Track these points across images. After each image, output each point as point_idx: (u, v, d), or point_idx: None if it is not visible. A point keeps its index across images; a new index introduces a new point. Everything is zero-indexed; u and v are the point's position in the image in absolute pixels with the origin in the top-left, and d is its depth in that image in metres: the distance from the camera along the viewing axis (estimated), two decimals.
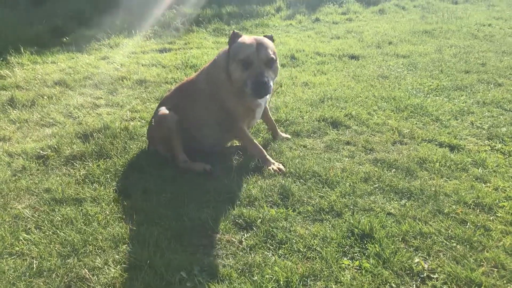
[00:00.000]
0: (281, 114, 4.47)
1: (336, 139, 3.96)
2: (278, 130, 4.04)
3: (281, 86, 5.48)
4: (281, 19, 11.12)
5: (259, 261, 2.37)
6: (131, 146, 3.78)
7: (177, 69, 6.47)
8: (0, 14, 9.44)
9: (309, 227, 2.69)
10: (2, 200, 2.96)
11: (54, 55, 7.38)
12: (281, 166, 3.39)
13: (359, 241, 2.54)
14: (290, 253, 2.46)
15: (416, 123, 4.35)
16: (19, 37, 8.06)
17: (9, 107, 4.78)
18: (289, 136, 4.01)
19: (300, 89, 5.41)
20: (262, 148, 3.51)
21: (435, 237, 2.56)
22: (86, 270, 2.30)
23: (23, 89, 5.47)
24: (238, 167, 3.44)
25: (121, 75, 6.03)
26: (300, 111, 4.60)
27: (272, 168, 3.35)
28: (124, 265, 2.35)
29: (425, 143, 3.88)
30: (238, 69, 3.23)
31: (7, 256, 2.43)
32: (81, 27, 9.28)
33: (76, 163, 3.52)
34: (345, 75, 6.14)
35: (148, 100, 5.12)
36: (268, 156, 3.47)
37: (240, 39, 3.32)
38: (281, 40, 8.61)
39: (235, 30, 3.45)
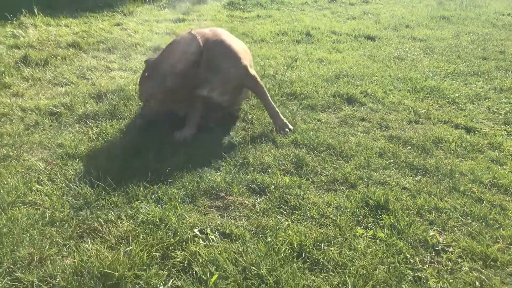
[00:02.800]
0: (295, 87, 4.41)
1: (351, 115, 3.91)
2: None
3: (296, 61, 5.42)
4: None
5: (272, 224, 2.36)
6: None
7: None
8: None
9: (322, 196, 2.67)
10: (15, 152, 2.94)
11: (67, 19, 7.31)
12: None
13: (373, 212, 2.52)
14: (303, 219, 2.44)
15: (432, 104, 4.29)
16: (33, 2, 7.97)
17: (22, 65, 4.74)
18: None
19: (315, 65, 5.34)
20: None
21: (450, 213, 2.53)
22: (101, 221, 2.29)
23: (36, 48, 5.43)
24: (251, 135, 3.40)
25: (134, 42, 5.97)
26: (315, 86, 4.54)
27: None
28: (137, 220, 2.34)
29: (441, 124, 3.83)
30: None
31: (20, 204, 2.43)
32: None
33: (89, 122, 3.49)
34: (361, 55, 6.06)
35: None
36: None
37: None
38: (297, 18, 8.50)
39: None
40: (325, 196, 2.66)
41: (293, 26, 7.63)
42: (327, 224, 2.39)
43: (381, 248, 2.22)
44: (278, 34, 7.00)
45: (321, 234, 2.28)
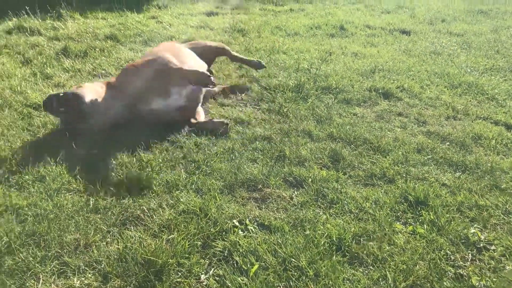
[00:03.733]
0: (331, 81, 4.39)
1: (388, 110, 3.87)
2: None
3: (330, 55, 5.38)
4: None
5: (310, 217, 2.37)
6: None
7: (225, 32, 6.43)
8: None
9: (360, 191, 2.66)
10: (60, 141, 3.03)
11: (104, 12, 7.45)
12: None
13: (412, 207, 2.50)
14: (341, 213, 2.44)
15: (470, 100, 4.20)
16: None
17: (62, 56, 4.87)
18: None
19: (350, 59, 5.29)
20: None
21: (492, 211, 2.49)
22: (145, 208, 2.35)
23: (76, 40, 5.56)
24: (287, 128, 3.41)
25: (170, 35, 6.04)
26: (350, 80, 4.51)
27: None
28: (178, 209, 2.38)
29: (480, 120, 3.75)
30: None
31: (65, 191, 2.50)
32: None
33: None
34: (396, 49, 5.97)
35: None
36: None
37: None
38: (330, 11, 8.43)
39: None
40: (363, 191, 2.65)
41: (326, 19, 7.57)
42: (365, 218, 2.39)
43: (421, 244, 2.20)
44: (311, 28, 6.97)
45: (360, 229, 2.28)
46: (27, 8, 6.59)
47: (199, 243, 2.15)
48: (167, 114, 3.39)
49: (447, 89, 4.46)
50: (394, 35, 6.84)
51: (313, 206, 2.49)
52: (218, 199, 2.47)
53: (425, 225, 2.34)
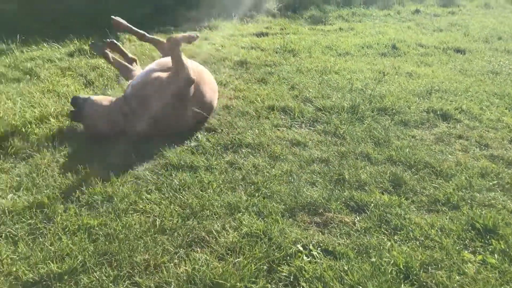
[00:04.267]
0: (386, 102, 4.34)
1: (447, 132, 3.79)
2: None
3: (384, 75, 5.33)
4: (379, 8, 10.79)
5: (374, 243, 2.34)
6: (237, 123, 3.85)
7: (276, 52, 6.50)
8: None
9: (424, 217, 2.60)
10: (124, 161, 3.14)
11: (158, 34, 7.72)
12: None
13: (481, 235, 2.42)
14: (406, 240, 2.40)
15: None
16: (127, 15, 8.51)
17: (122, 78, 5.06)
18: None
19: (404, 79, 5.22)
20: None
21: None
22: (209, 230, 2.39)
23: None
24: (344, 150, 3.39)
25: (222, 56, 6.17)
26: (406, 101, 4.44)
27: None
28: (241, 232, 2.41)
29: None
30: None
31: (132, 212, 2.59)
32: (182, 9, 9.60)
33: (187, 135, 3.65)
34: (451, 68, 5.84)
35: (250, 80, 5.19)
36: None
37: None
38: (380, 30, 8.36)
39: None
40: (428, 217, 2.59)
41: (377, 38, 7.52)
42: (432, 246, 2.33)
43: (494, 275, 2.13)
44: (362, 47, 6.94)
45: (427, 257, 2.23)
46: (88, 31, 6.93)
47: (265, 267, 2.16)
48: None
49: (509, 111, 4.32)
50: (448, 54, 6.70)
51: (376, 232, 2.46)
52: (280, 222, 2.49)
53: (496, 255, 2.26)
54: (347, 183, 2.94)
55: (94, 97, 3.59)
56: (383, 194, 2.84)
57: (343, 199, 2.77)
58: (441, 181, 2.99)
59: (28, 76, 5.07)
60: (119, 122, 3.52)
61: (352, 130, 3.74)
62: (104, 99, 3.63)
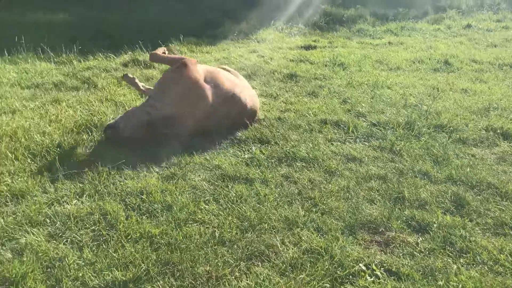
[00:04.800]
0: (443, 119, 4.23)
1: (509, 152, 3.65)
2: None
3: (438, 91, 5.20)
4: (428, 23, 10.59)
5: (440, 266, 2.26)
6: (290, 136, 3.84)
7: (325, 66, 6.47)
8: (162, 5, 10.31)
9: (491, 240, 2.50)
10: (181, 171, 3.18)
11: (207, 46, 7.85)
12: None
13: None
14: (473, 264, 2.30)
15: None
16: (177, 27, 8.72)
17: None
18: None
19: (459, 96, 5.08)
20: None
21: None
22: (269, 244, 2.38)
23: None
24: (401, 167, 3.31)
25: (272, 68, 6.19)
26: (464, 118, 4.31)
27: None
28: (301, 248, 2.38)
29: None
30: None
31: (192, 222, 2.61)
32: (231, 21, 9.74)
33: (242, 146, 3.67)
34: (509, 86, 5.65)
35: (300, 93, 5.18)
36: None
37: None
38: (431, 45, 8.20)
39: None
40: (495, 241, 2.48)
41: (428, 53, 7.37)
42: (503, 272, 2.23)
43: None
44: (414, 62, 6.81)
45: (498, 283, 2.13)
46: (140, 42, 7.13)
47: (328, 285, 2.12)
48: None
49: None
50: (504, 70, 6.49)
51: (441, 254, 2.37)
52: (341, 240, 2.44)
53: None
54: (407, 202, 2.87)
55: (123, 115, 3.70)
56: (445, 214, 2.75)
57: (404, 218, 2.69)
58: (506, 203, 2.86)
59: (86, 85, 5.25)
60: (143, 122, 3.59)
61: (409, 147, 3.66)
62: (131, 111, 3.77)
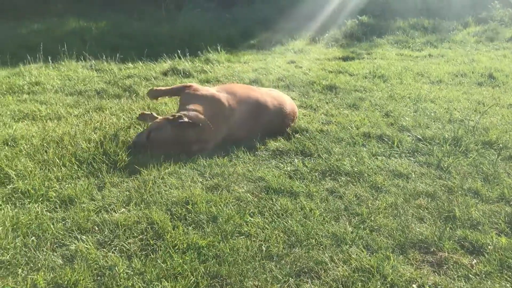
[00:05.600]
0: (491, 135, 4.09)
1: None
2: None
3: (484, 105, 5.05)
4: (469, 35, 10.36)
5: None
6: (333, 149, 3.78)
7: (365, 78, 6.39)
8: (200, 15, 10.45)
9: None
10: (224, 182, 3.17)
11: (244, 56, 7.89)
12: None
13: None
14: None
15: None
16: (213, 37, 8.81)
17: None
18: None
19: (507, 111, 4.91)
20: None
21: None
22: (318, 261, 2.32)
23: (224, 84, 5.91)
24: (450, 185, 3.21)
25: (310, 80, 6.16)
26: None
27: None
28: (351, 266, 2.32)
29: None
30: None
31: (238, 234, 2.58)
32: (267, 31, 9.78)
33: (283, 158, 3.64)
34: None
35: (341, 106, 5.12)
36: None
37: None
38: (473, 58, 8.00)
39: None
40: None
41: (471, 67, 7.19)
42: None
43: None
44: (456, 75, 6.65)
45: None
46: (179, 51, 7.22)
47: None
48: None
49: None
50: None
51: (498, 278, 2.27)
52: (391, 259, 2.37)
53: None
54: (458, 221, 2.77)
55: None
56: (499, 236, 2.63)
57: (456, 238, 2.60)
58: None
59: (127, 92, 5.34)
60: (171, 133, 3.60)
61: (457, 164, 3.55)
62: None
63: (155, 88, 4.54)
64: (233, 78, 6.19)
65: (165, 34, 9.40)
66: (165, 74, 6.39)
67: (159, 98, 4.52)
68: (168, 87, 4.49)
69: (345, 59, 7.85)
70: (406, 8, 11.46)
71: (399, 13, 11.14)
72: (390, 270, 2.27)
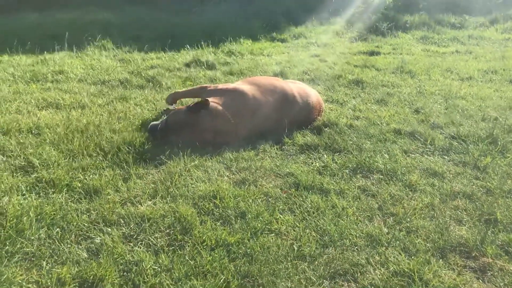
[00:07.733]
0: None
1: None
2: None
3: None
4: (497, 32, 10.06)
5: None
6: (364, 145, 3.64)
7: (392, 73, 6.22)
8: (223, 8, 10.34)
9: None
10: (252, 176, 3.06)
11: (267, 49, 7.76)
12: None
13: None
14: None
15: None
16: (236, 29, 8.69)
17: None
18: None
19: None
20: None
21: None
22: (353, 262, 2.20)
23: (248, 76, 5.80)
24: (488, 186, 3.05)
25: (336, 74, 6.01)
26: None
27: None
28: (389, 269, 2.20)
29: None
30: None
31: (268, 232, 2.47)
32: (290, 24, 9.62)
33: (312, 154, 3.52)
34: None
35: (369, 101, 4.97)
36: None
37: None
38: (503, 55, 7.74)
39: None
40: None
41: (502, 63, 6.95)
42: None
43: None
44: (487, 72, 6.44)
45: None
46: (203, 43, 7.13)
47: None
48: None
49: None
50: None
51: None
52: (432, 263, 2.24)
53: None
54: (500, 225, 2.62)
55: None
56: None
57: (499, 242, 2.45)
58: None
59: (151, 83, 5.26)
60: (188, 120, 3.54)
61: (494, 164, 3.38)
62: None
63: (173, 91, 4.49)
64: (257, 70, 6.08)
65: (187, 26, 9.31)
66: (188, 65, 6.30)
67: (177, 101, 4.39)
68: (186, 89, 4.43)
69: (370, 53, 7.67)
70: (432, 4, 11.19)
71: (425, 8, 10.87)
72: (432, 276, 2.14)
